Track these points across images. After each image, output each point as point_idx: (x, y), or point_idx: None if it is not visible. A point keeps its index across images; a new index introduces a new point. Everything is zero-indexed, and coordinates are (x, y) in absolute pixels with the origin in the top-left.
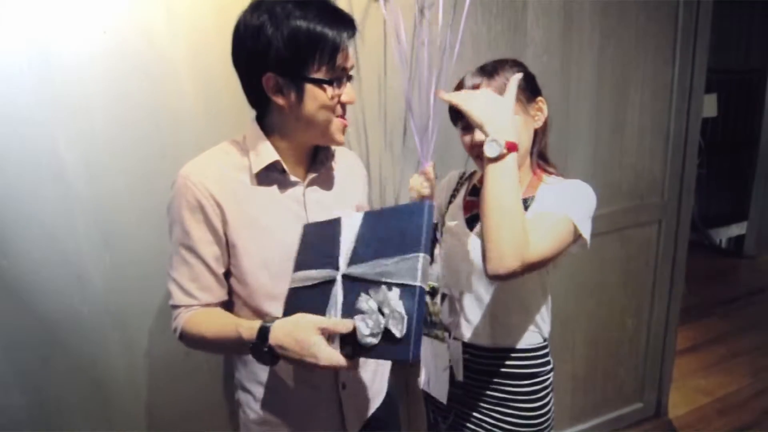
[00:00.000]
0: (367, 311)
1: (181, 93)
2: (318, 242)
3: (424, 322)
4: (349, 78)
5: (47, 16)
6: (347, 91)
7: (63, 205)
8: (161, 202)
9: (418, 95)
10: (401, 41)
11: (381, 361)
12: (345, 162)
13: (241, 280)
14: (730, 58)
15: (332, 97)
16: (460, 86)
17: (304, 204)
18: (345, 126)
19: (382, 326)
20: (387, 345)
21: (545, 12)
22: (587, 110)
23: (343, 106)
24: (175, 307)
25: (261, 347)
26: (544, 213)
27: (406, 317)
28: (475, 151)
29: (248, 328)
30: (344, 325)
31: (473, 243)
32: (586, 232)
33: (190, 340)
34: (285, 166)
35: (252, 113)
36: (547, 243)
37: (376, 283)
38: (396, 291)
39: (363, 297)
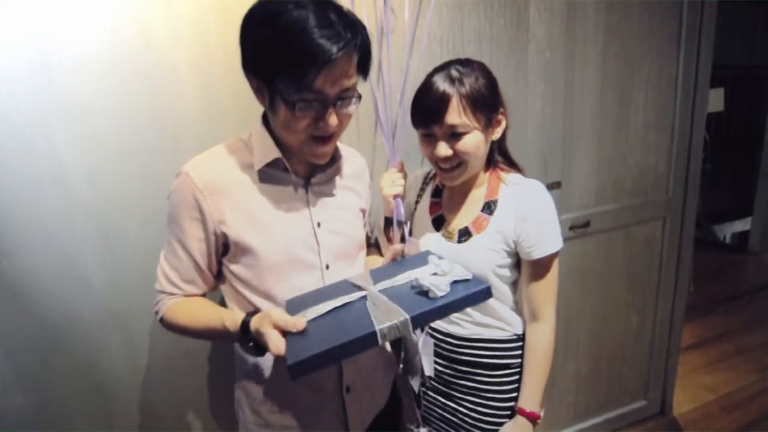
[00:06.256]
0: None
1: (182, 93)
2: (329, 291)
3: None
4: (336, 104)
5: (47, 16)
6: (330, 120)
7: (63, 206)
8: (162, 203)
9: (383, 93)
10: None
11: (386, 369)
12: (352, 163)
13: (244, 278)
14: (735, 54)
15: (297, 119)
16: (427, 86)
17: (308, 202)
18: (323, 153)
19: (449, 282)
20: (459, 286)
21: (548, 7)
22: (591, 106)
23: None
24: (159, 291)
25: (246, 341)
26: (536, 282)
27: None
28: (435, 161)
29: (232, 321)
30: (294, 324)
31: (439, 243)
32: (561, 243)
33: (171, 326)
34: (287, 165)
35: (257, 111)
36: (552, 300)
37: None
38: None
39: (418, 277)
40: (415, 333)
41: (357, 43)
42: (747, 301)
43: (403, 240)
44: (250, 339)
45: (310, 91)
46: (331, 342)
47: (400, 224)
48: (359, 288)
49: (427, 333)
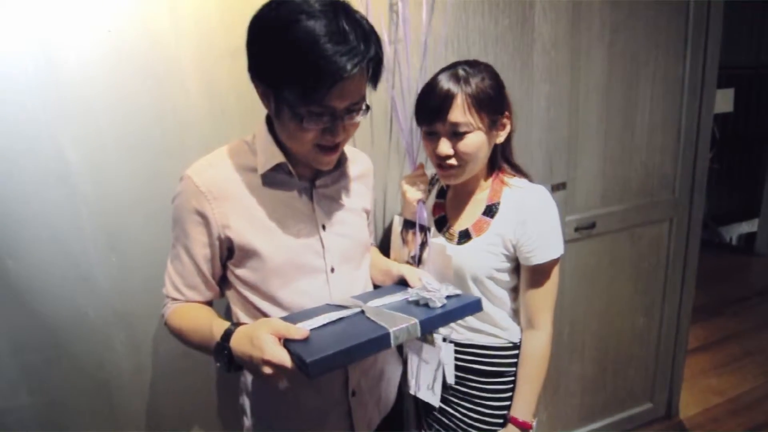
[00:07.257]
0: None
1: (187, 93)
2: (314, 311)
3: None
4: (344, 117)
5: (51, 16)
6: (337, 132)
7: (68, 206)
8: (167, 203)
9: (402, 96)
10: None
11: (392, 373)
12: (358, 165)
13: (249, 282)
14: (741, 54)
15: (304, 131)
16: (433, 84)
17: (313, 206)
18: (329, 161)
19: (443, 296)
20: (453, 300)
21: (553, 6)
22: (597, 106)
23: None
24: (165, 296)
25: (222, 348)
26: (534, 289)
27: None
28: (436, 159)
29: (219, 326)
30: (298, 332)
31: (447, 245)
32: (562, 250)
33: (172, 331)
34: (291, 169)
35: (261, 112)
36: (550, 308)
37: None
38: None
39: (418, 291)
40: (434, 341)
41: (370, 57)
42: (754, 303)
43: (423, 244)
44: (226, 347)
45: (319, 105)
46: (347, 342)
47: (423, 228)
48: (347, 308)
49: (450, 343)
